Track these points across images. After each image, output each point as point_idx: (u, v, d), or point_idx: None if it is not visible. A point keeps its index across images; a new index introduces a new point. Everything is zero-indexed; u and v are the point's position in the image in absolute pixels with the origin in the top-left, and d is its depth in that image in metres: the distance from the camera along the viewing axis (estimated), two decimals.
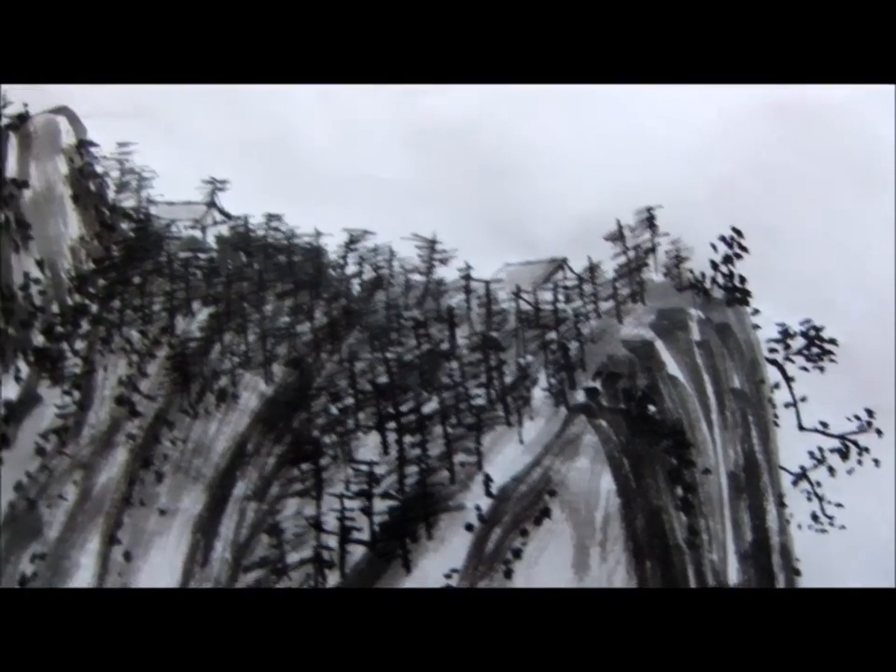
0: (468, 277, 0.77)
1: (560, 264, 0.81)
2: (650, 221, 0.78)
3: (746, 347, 0.84)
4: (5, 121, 0.80)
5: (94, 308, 0.79)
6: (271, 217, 0.81)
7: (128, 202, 0.83)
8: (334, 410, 0.75)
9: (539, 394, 0.77)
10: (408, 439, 0.74)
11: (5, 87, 0.78)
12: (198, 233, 0.82)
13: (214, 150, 0.81)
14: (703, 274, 0.82)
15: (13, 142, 0.82)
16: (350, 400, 0.77)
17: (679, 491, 0.79)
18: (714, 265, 0.81)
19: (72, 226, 0.82)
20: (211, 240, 0.84)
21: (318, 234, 0.79)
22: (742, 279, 0.82)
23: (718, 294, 0.83)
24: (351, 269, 0.80)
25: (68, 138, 0.85)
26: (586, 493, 0.76)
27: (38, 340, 0.78)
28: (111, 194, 0.83)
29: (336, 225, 0.82)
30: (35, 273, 0.79)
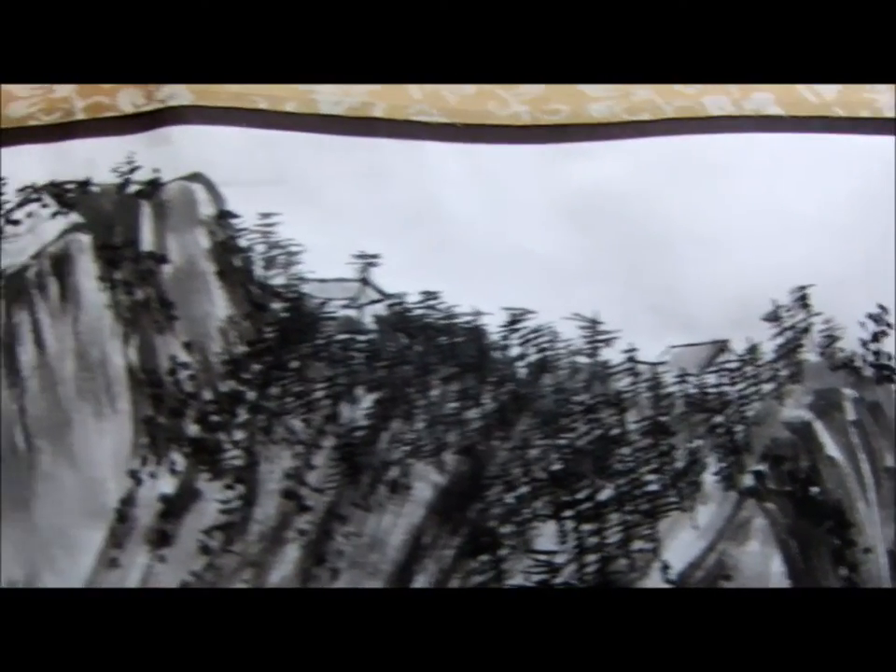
0: (633, 360, 0.73)
1: (722, 346, 0.78)
2: (802, 301, 0.76)
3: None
4: (134, 188, 0.70)
5: (251, 395, 0.71)
6: (427, 295, 0.73)
7: (277, 279, 0.74)
8: (510, 499, 0.70)
9: (709, 478, 0.75)
10: (585, 526, 0.71)
11: (130, 149, 0.70)
12: (354, 313, 0.74)
13: (360, 220, 0.74)
14: (854, 353, 0.82)
15: (146, 211, 0.73)
16: (525, 489, 0.72)
17: (843, 571, 0.78)
18: (863, 343, 0.80)
19: (219, 305, 0.73)
20: (368, 320, 0.76)
21: (478, 314, 0.72)
22: (889, 356, 0.82)
23: (868, 372, 0.83)
24: (514, 350, 0.74)
25: (206, 208, 0.75)
26: (758, 576, 0.74)
27: (193, 430, 0.69)
28: (258, 270, 0.74)
29: (494, 303, 0.77)
30: (183, 356, 0.71)
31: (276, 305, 0.75)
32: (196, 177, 0.80)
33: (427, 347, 0.75)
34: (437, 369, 0.74)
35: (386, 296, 0.76)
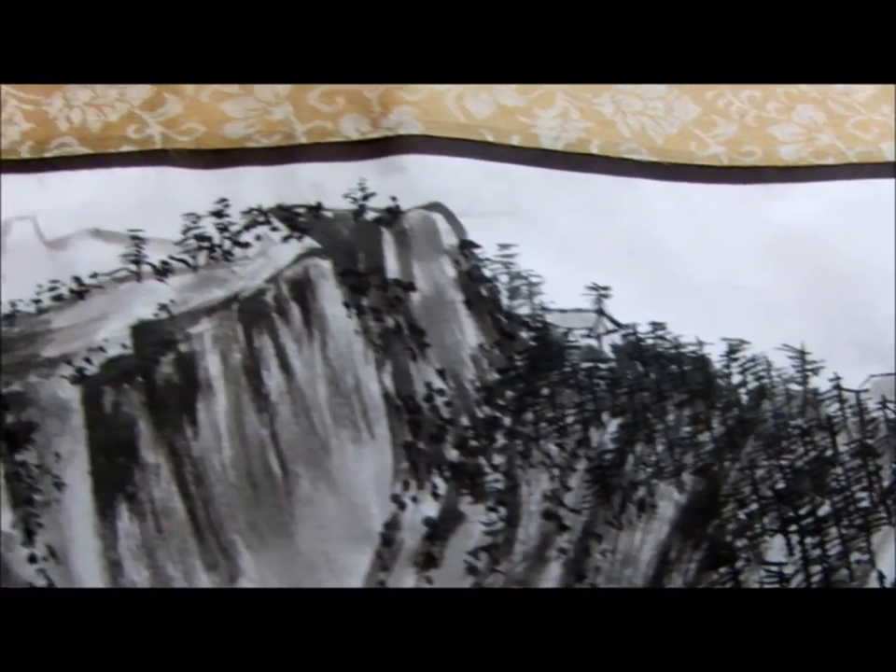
0: (839, 388, 0.78)
1: None
2: None
3: None
4: (372, 215, 0.68)
5: (507, 421, 0.71)
6: (655, 325, 0.75)
7: (522, 308, 0.73)
8: (742, 515, 0.74)
9: None
10: (808, 540, 0.75)
11: (361, 175, 0.66)
12: (594, 342, 0.74)
13: (588, 253, 0.75)
14: None
15: (387, 239, 0.71)
16: (754, 506, 0.76)
17: None
18: None
19: (469, 333, 0.72)
20: (606, 349, 0.77)
21: (701, 343, 0.75)
22: None
23: None
24: (736, 378, 0.78)
25: (448, 238, 0.74)
26: None
27: (452, 454, 0.68)
28: (504, 300, 0.73)
29: (714, 334, 0.80)
30: (438, 383, 0.69)
31: (524, 334, 0.79)
32: (435, 207, 0.82)
33: (661, 375, 0.80)
34: (671, 395, 0.80)
35: (620, 326, 0.81)
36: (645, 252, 0.82)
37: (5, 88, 0.91)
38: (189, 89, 0.87)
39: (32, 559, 0.71)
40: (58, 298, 0.79)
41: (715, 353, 0.81)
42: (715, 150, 0.88)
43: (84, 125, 0.86)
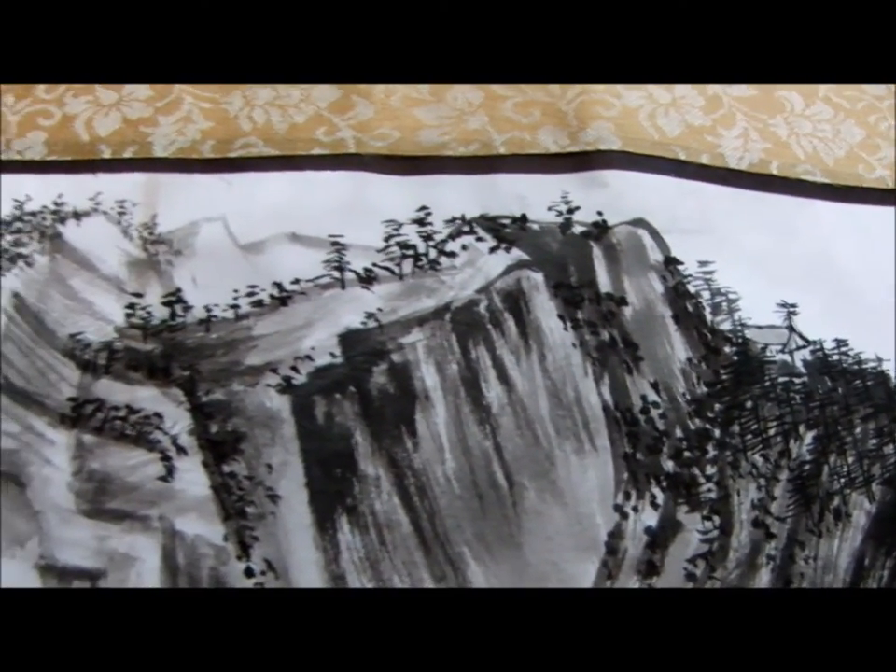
0: None
1: None
2: None
3: None
4: (579, 229, 0.67)
5: (717, 432, 0.72)
6: (839, 342, 0.77)
7: (724, 324, 0.74)
8: None
9: None
10: None
11: (563, 188, 0.66)
12: (787, 358, 0.76)
13: (776, 271, 0.76)
14: None
15: (597, 253, 0.70)
16: None
17: None
18: None
19: (678, 347, 0.72)
20: (798, 364, 0.79)
21: (880, 360, 0.78)
22: None
23: None
24: None
25: (654, 254, 0.74)
26: None
27: (668, 465, 0.69)
28: (707, 316, 0.74)
29: (889, 351, 0.83)
30: (652, 395, 0.70)
31: (727, 349, 0.82)
32: (640, 223, 0.84)
33: (847, 389, 0.84)
34: (857, 408, 0.84)
35: (809, 342, 0.84)
36: (823, 270, 0.86)
37: (178, 85, 0.90)
38: (377, 93, 0.87)
39: (249, 573, 0.70)
40: (258, 304, 0.78)
41: (892, 369, 0.85)
42: (881, 173, 0.92)
43: (269, 125, 0.85)
